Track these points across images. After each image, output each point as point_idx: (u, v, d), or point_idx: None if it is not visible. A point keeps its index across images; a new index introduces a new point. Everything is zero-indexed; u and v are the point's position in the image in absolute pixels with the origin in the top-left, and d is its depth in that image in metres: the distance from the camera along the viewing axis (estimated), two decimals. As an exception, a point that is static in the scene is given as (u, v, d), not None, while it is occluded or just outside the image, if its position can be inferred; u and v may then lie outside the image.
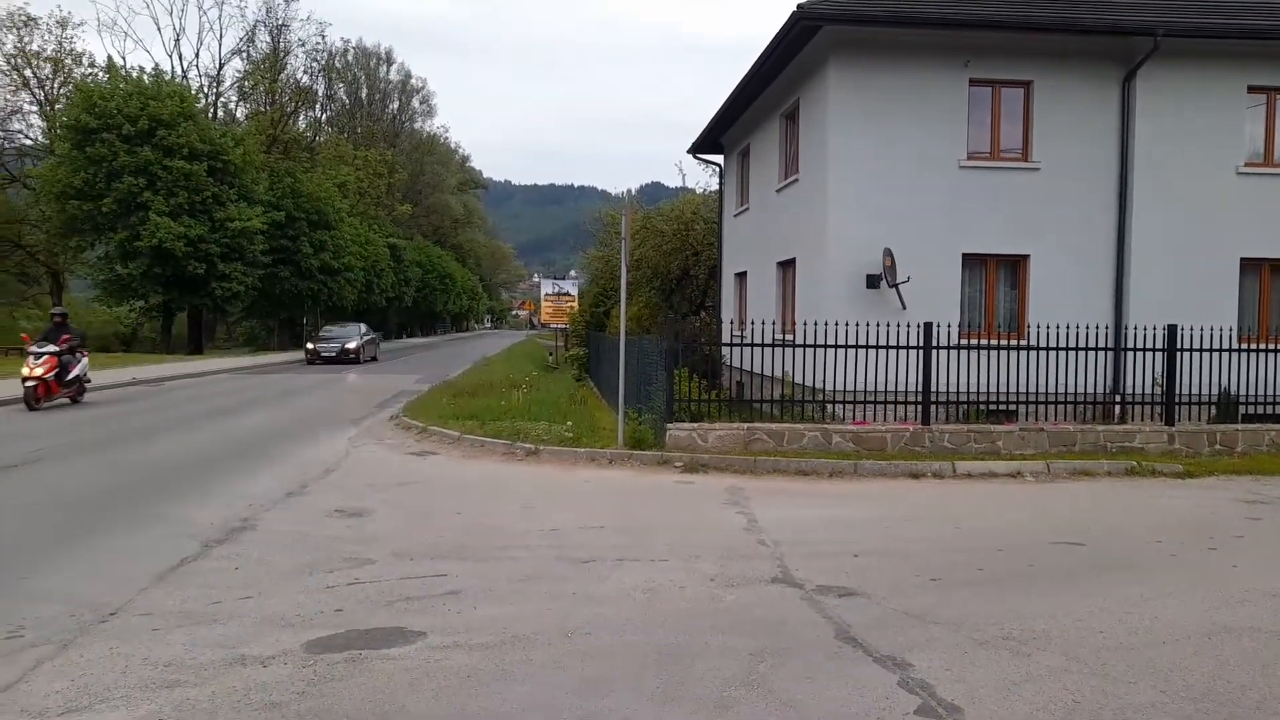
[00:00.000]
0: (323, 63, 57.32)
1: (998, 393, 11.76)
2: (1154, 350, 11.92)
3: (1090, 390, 11.92)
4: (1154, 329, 12.04)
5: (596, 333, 24.51)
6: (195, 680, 4.20)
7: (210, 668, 4.35)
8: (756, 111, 17.95)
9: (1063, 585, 5.88)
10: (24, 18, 41.27)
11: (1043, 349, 11.83)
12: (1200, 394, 11.88)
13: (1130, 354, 12.31)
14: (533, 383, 19.14)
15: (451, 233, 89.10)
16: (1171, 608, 5.40)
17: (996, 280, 14.13)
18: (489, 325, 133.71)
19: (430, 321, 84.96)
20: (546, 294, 42.88)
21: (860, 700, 3.98)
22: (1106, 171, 13.86)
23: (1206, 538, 7.34)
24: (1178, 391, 11.77)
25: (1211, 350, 11.91)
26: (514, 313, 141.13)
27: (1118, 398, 12.89)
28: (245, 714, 3.85)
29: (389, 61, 79.32)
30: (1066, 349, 11.75)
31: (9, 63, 41.31)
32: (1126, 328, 13.04)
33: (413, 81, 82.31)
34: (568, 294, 40.99)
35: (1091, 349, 11.94)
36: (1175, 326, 11.83)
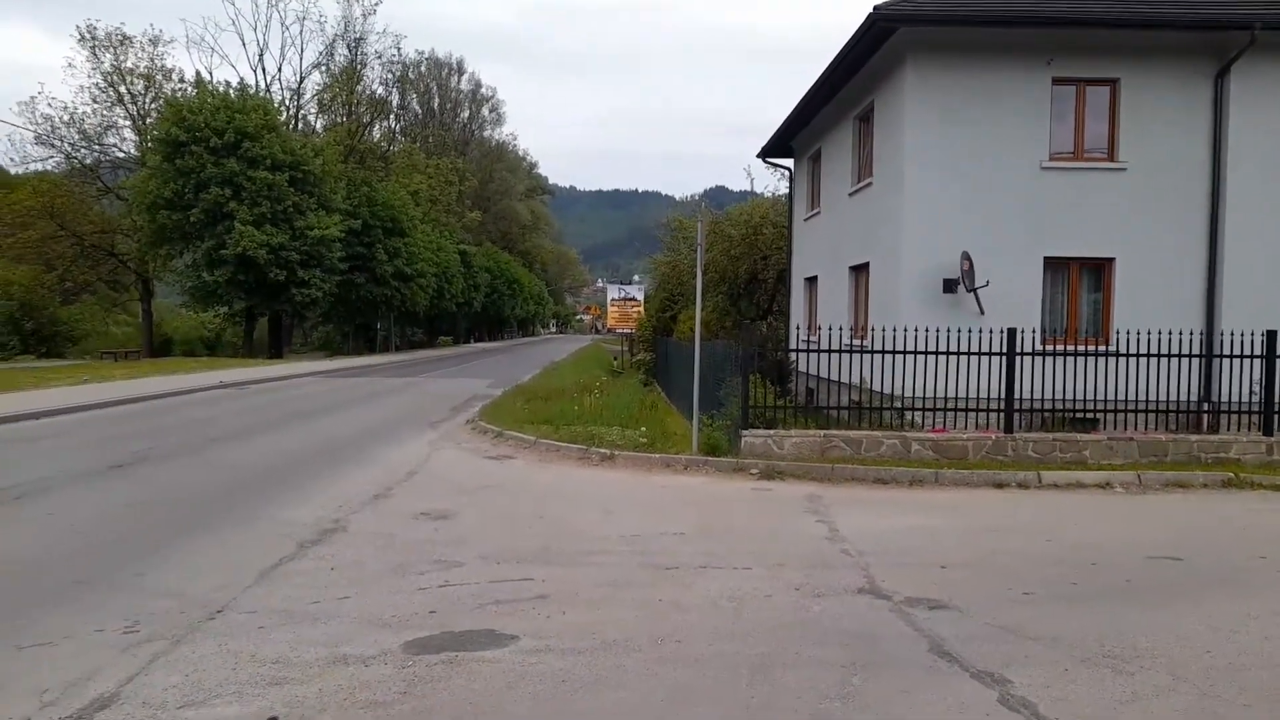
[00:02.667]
0: (397, 74, 58.65)
1: (1080, 400, 11.43)
2: (1252, 357, 11.43)
3: (1178, 398, 11.50)
4: (1250, 335, 11.55)
5: (664, 338, 24.56)
6: (302, 678, 4.36)
7: (315, 666, 4.51)
8: (829, 114, 17.79)
9: (1163, 601, 5.69)
10: (120, 37, 43.21)
11: (1129, 355, 11.45)
12: (1302, 403, 11.34)
13: (1223, 361, 11.83)
14: (602, 388, 19.28)
15: (519, 238, 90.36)
16: (1283, 628, 5.19)
17: (1079, 284, 13.72)
18: (554, 330, 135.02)
19: (498, 326, 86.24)
20: (613, 299, 43.14)
21: (960, 717, 3.93)
22: (1197, 170, 13.36)
23: (1315, 554, 7.02)
24: (1278, 400, 11.26)
25: (1315, 357, 11.36)
26: (578, 317, 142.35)
27: (1207, 406, 12.39)
28: (351, 712, 3.98)
29: (460, 71, 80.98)
30: (1154, 355, 11.35)
31: (106, 80, 43.31)
32: (1219, 333, 12.53)
33: (483, 90, 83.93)
34: (633, 299, 41.20)
35: (1181, 355, 11.50)
36: (1275, 332, 11.32)
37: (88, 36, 42.63)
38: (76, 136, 43.36)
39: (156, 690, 4.21)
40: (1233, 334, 11.82)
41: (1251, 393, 11.48)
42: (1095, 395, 11.42)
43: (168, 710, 4.01)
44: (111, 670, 4.43)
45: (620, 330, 35.12)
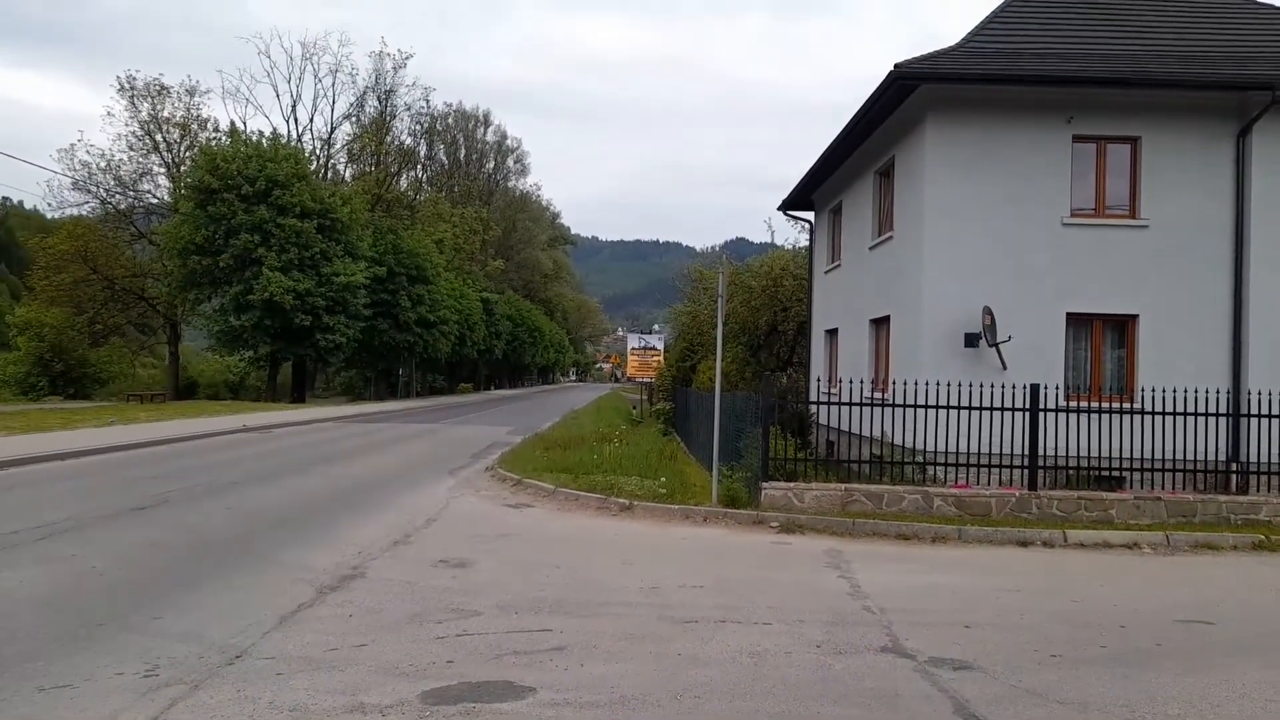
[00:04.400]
0: (425, 125, 60.01)
1: (1103, 458, 11.28)
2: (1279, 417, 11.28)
3: (1205, 457, 11.33)
4: (1278, 393, 11.40)
5: (683, 388, 24.57)
6: (319, 726, 4.34)
7: (333, 714, 4.49)
8: (849, 169, 17.98)
9: (1195, 667, 5.55)
10: (158, 87, 44.64)
11: (1154, 413, 11.33)
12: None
13: (1250, 420, 11.68)
14: (621, 436, 19.27)
15: (541, 287, 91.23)
16: (1320, 697, 5.05)
17: (1103, 340, 13.65)
18: (574, 378, 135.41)
19: (518, 373, 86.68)
20: (633, 348, 43.26)
21: (986, 781, 3.84)
22: (1220, 229, 13.34)
23: (1351, 621, 6.85)
24: (1308, 461, 11.07)
25: (1345, 417, 11.19)
26: (598, 365, 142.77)
27: (1235, 466, 12.19)
28: (368, 762, 3.95)
29: (486, 123, 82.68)
30: (1180, 414, 11.23)
31: (143, 128, 44.63)
32: (1246, 392, 12.39)
33: (508, 142, 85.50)
34: (653, 348, 41.31)
35: (1207, 414, 11.36)
36: (1304, 391, 11.18)
37: (127, 86, 44.10)
38: (112, 182, 44.63)
39: (174, 736, 4.20)
40: (1260, 393, 11.70)
41: (1280, 452, 11.30)
42: (1120, 453, 11.28)
43: (185, 756, 4.00)
44: (131, 714, 4.43)
45: (640, 379, 35.15)
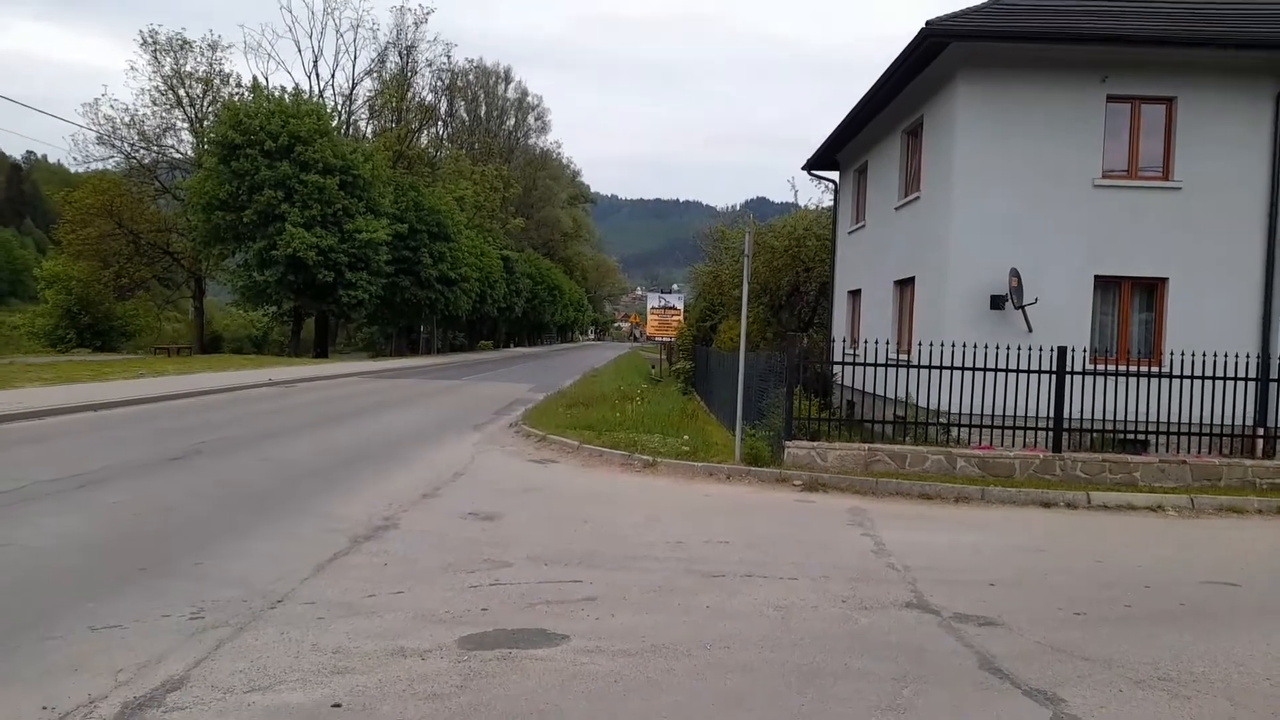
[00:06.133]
0: (446, 82, 59.58)
1: (1128, 421, 11.25)
2: (1311, 382, 11.19)
3: (1231, 422, 11.28)
4: (1310, 359, 11.30)
5: (704, 347, 24.60)
6: (362, 668, 4.48)
7: (374, 657, 4.63)
8: (876, 128, 17.74)
9: (1220, 627, 5.61)
10: (180, 42, 44.50)
11: (1181, 377, 11.26)
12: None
13: (1279, 385, 11.58)
14: (642, 395, 19.37)
15: (561, 246, 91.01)
16: (1344, 658, 5.09)
17: (1131, 304, 13.53)
18: (592, 336, 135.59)
19: (537, 332, 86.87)
20: (653, 307, 43.11)
21: (1013, 732, 3.93)
22: (1255, 191, 13.12)
23: (1377, 585, 6.86)
24: (1337, 427, 10.99)
25: (1377, 384, 11.08)
26: (617, 325, 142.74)
27: (1262, 431, 12.12)
28: (410, 703, 4.09)
29: (507, 80, 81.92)
30: (1207, 378, 11.15)
31: (166, 83, 44.58)
32: (1275, 356, 12.26)
33: (529, 99, 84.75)
34: (673, 308, 41.19)
35: (1235, 379, 11.27)
36: (1336, 357, 11.07)
37: (150, 41, 44.00)
38: (136, 137, 44.74)
39: (223, 675, 4.35)
40: (1291, 358, 11.58)
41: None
42: (1144, 416, 11.25)
43: (235, 694, 4.14)
44: (180, 654, 4.59)
45: (659, 339, 35.10)
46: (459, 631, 5.03)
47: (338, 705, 4.04)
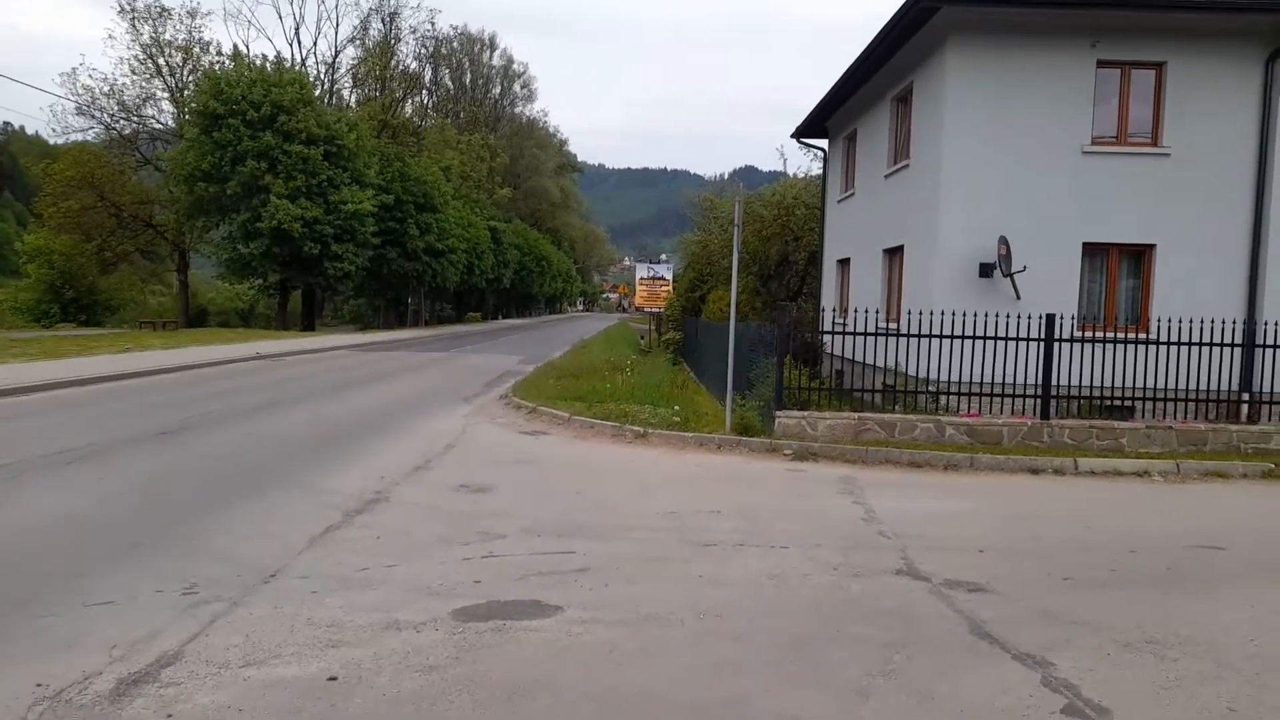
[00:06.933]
0: (430, 49, 58.81)
1: (1115, 387, 11.33)
2: (1295, 347, 11.28)
3: (1216, 388, 11.38)
4: (1294, 324, 11.38)
5: (693, 318, 24.57)
6: (357, 641, 4.50)
7: (368, 630, 4.64)
8: (866, 95, 17.62)
9: (1206, 590, 5.69)
10: (159, 9, 43.61)
11: (1168, 344, 11.32)
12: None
13: (1264, 350, 11.67)
14: (633, 366, 19.35)
15: (548, 216, 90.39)
16: (1327, 619, 5.18)
17: (1118, 271, 13.56)
18: (581, 308, 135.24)
19: (526, 303, 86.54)
20: (641, 278, 42.93)
21: (1003, 697, 3.98)
22: (1243, 157, 13.12)
23: (1358, 547, 6.97)
24: (1321, 391, 11.10)
25: (1361, 348, 11.18)
26: (605, 296, 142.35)
27: (1247, 396, 12.23)
28: (406, 676, 4.11)
29: (492, 47, 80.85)
30: (1193, 344, 11.23)
31: (145, 52, 43.76)
32: (1261, 323, 12.34)
33: (514, 66, 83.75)
34: (662, 278, 41.02)
35: (1221, 345, 11.35)
36: (1321, 322, 11.15)
37: (128, 8, 43.08)
38: (116, 108, 43.98)
39: (218, 649, 4.35)
40: (1275, 323, 11.65)
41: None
42: (1132, 383, 11.32)
43: (230, 669, 4.14)
44: (174, 629, 4.59)
45: (649, 309, 34.99)
46: (453, 604, 5.05)
47: (333, 678, 4.05)
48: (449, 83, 74.60)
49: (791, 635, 4.70)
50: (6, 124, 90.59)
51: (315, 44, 59.86)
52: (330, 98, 49.53)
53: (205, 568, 5.62)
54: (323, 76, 49.73)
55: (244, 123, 35.33)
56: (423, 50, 57.77)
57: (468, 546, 6.25)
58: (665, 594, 5.34)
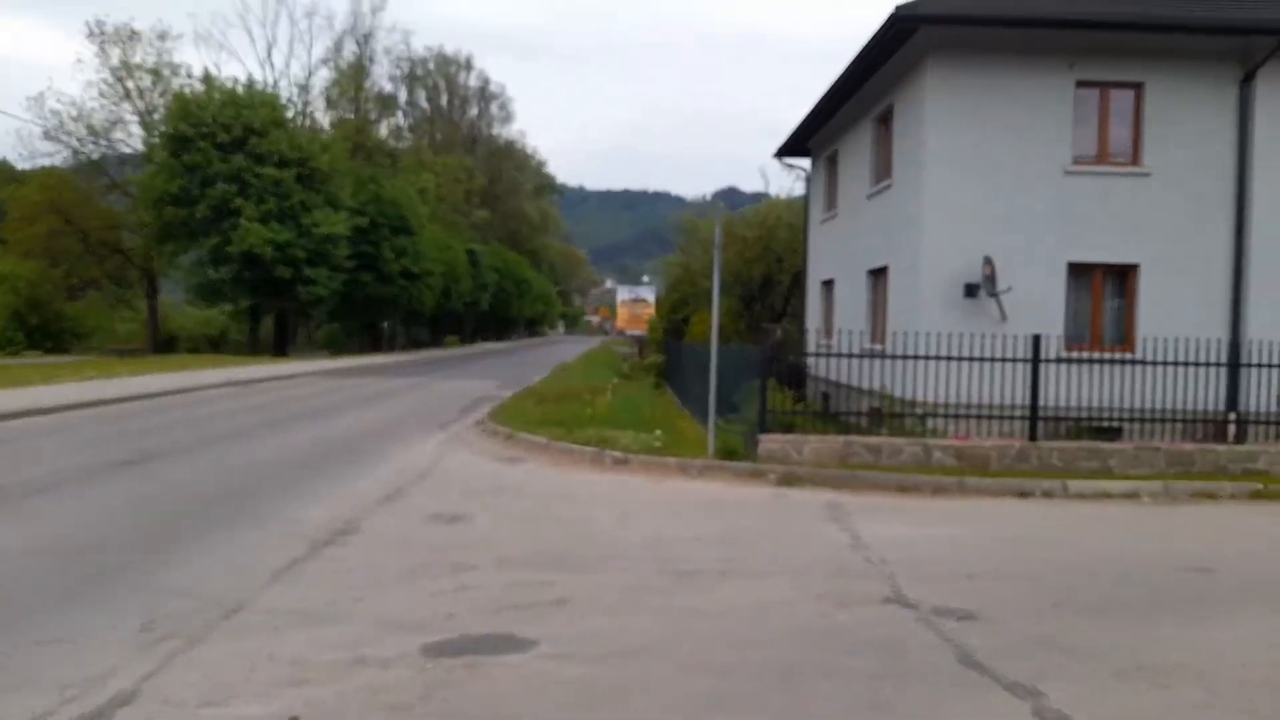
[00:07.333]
0: (405, 70, 58.75)
1: (1102, 409, 11.28)
2: (1277, 366, 11.27)
3: (1202, 408, 11.35)
4: (1277, 343, 11.38)
5: (675, 340, 24.46)
6: (321, 679, 4.26)
7: (334, 667, 4.41)
8: (847, 115, 17.66)
9: (1196, 615, 5.55)
10: (128, 32, 43.12)
11: (1153, 364, 11.29)
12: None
13: (1249, 370, 11.67)
14: (613, 390, 19.17)
15: (527, 238, 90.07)
16: (1324, 644, 5.05)
17: (1103, 290, 13.56)
18: (562, 331, 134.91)
19: (505, 326, 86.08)
20: (622, 300, 42.88)
21: (999, 731, 3.80)
22: (1222, 177, 13.20)
23: (1349, 568, 6.88)
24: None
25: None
26: (587, 318, 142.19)
27: (1233, 416, 12.22)
28: (371, 715, 3.90)
29: (469, 68, 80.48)
30: (1179, 364, 11.20)
31: (114, 75, 43.23)
32: (1246, 341, 12.36)
33: (491, 87, 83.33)
34: (644, 300, 40.97)
35: (1207, 364, 11.34)
36: (1302, 341, 11.16)
37: (96, 32, 42.57)
38: (84, 132, 43.26)
39: (176, 688, 4.13)
40: (1260, 342, 11.66)
41: (1276, 402, 11.33)
42: (1117, 403, 11.28)
43: (188, 709, 3.92)
44: (130, 668, 4.35)
45: (630, 332, 34.87)
46: (423, 639, 4.81)
47: (295, 718, 3.82)
48: (424, 104, 74.28)
49: (777, 668, 4.50)
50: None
51: (288, 66, 59.33)
52: (303, 120, 49.22)
53: (165, 603, 5.35)
54: (295, 98, 49.39)
55: (214, 145, 34.92)
56: (397, 71, 57.73)
57: (439, 579, 6.01)
58: (645, 626, 5.13)
